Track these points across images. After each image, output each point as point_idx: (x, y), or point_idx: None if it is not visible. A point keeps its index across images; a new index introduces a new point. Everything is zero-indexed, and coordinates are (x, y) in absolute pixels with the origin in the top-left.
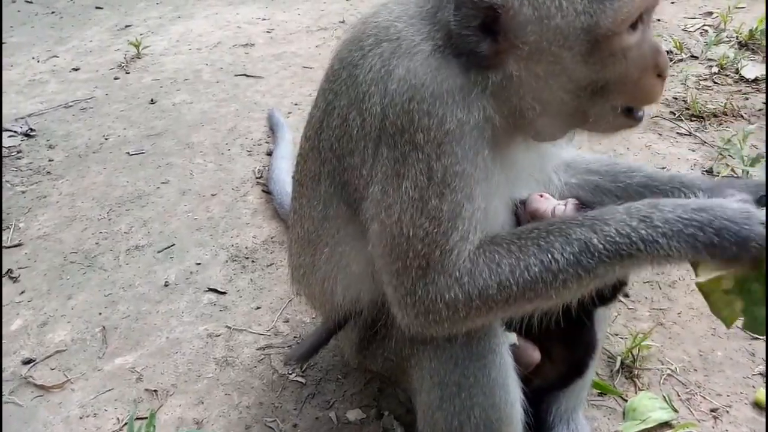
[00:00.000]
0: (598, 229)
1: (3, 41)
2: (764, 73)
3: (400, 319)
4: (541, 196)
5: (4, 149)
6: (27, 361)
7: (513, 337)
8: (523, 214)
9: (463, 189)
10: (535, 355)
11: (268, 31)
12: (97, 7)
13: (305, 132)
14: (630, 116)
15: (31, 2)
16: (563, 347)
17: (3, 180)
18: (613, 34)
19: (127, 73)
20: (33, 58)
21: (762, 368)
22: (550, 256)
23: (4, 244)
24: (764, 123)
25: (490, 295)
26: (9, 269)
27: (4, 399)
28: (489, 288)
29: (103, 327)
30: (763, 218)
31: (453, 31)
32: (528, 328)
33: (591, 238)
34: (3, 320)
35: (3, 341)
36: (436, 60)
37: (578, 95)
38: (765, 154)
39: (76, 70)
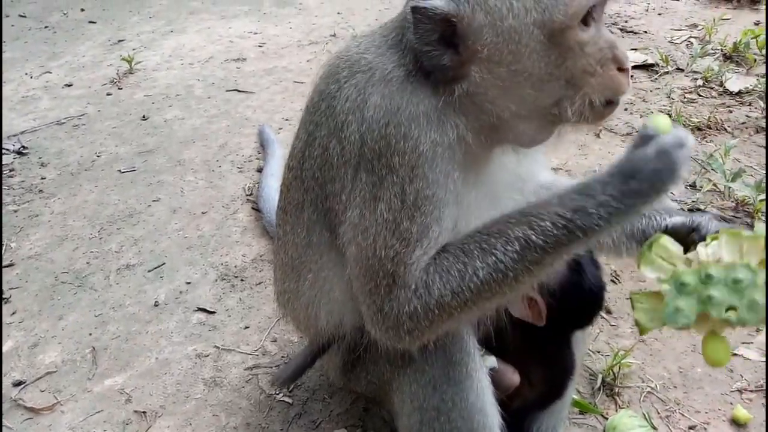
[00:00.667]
0: (534, 225)
1: None
2: (748, 86)
3: (374, 335)
4: None
5: None
6: (17, 383)
7: (492, 361)
8: None
9: (433, 212)
10: (514, 378)
11: (259, 45)
12: (90, 22)
13: (288, 162)
14: (608, 105)
15: (24, 17)
16: (542, 370)
17: None
18: (565, 27)
19: (119, 88)
20: (26, 74)
21: (740, 385)
22: (494, 257)
23: None
24: (747, 137)
25: (446, 302)
26: (1, 289)
27: None
28: (444, 296)
29: (93, 348)
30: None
31: (417, 49)
32: (507, 351)
33: (529, 235)
34: None
35: None
36: (409, 84)
37: (545, 92)
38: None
39: (68, 86)
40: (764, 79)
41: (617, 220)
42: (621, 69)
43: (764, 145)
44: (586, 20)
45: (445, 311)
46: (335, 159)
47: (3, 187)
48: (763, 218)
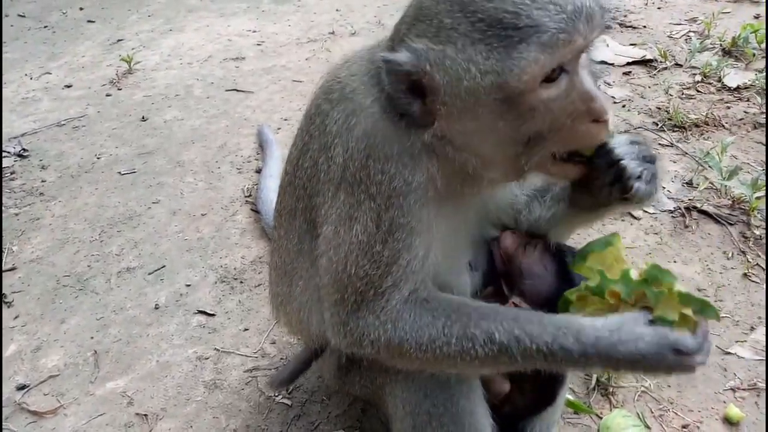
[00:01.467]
0: (520, 341)
1: None
2: (746, 82)
3: (333, 344)
4: (513, 232)
5: None
6: (21, 387)
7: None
8: (496, 251)
9: (405, 240)
10: (504, 386)
11: (258, 44)
12: (89, 21)
13: (285, 166)
14: (572, 161)
15: (23, 16)
16: (532, 378)
17: None
18: (522, 92)
19: (118, 89)
20: (26, 74)
21: (733, 383)
22: (471, 344)
23: None
24: (744, 133)
25: (408, 349)
26: (3, 294)
27: None
28: (407, 343)
29: (95, 351)
30: (676, 344)
31: (389, 94)
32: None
33: (511, 347)
34: None
35: None
36: (383, 122)
37: (511, 148)
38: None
39: (68, 87)
40: (763, 75)
41: (594, 370)
42: (596, 121)
43: (762, 141)
44: (550, 78)
45: (403, 355)
46: (322, 174)
47: (5, 190)
48: (758, 216)
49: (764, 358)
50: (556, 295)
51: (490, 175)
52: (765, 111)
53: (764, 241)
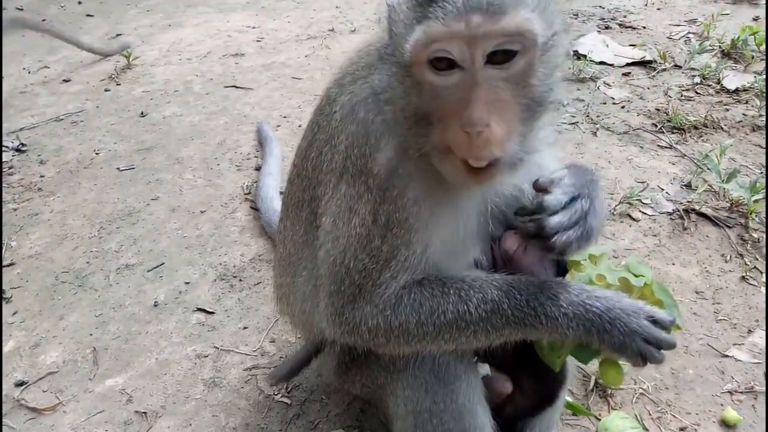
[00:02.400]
0: (511, 296)
1: None
2: (745, 84)
3: (327, 334)
4: (515, 232)
5: None
6: (20, 384)
7: (485, 369)
8: (497, 251)
9: (403, 236)
10: (506, 386)
11: (257, 40)
12: (87, 15)
13: (294, 158)
14: (468, 166)
15: (21, 9)
16: (534, 380)
17: None
18: (412, 62)
19: (117, 84)
20: (24, 68)
21: (731, 386)
22: (465, 307)
23: None
24: (743, 135)
25: (408, 329)
26: (1, 289)
27: None
28: (408, 323)
29: (94, 348)
30: (653, 312)
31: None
32: (500, 360)
33: (503, 303)
34: None
35: None
36: (377, 104)
37: (408, 116)
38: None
39: (66, 81)
40: (762, 77)
41: (575, 325)
42: (465, 131)
43: (761, 144)
44: (438, 66)
45: (403, 336)
46: (325, 165)
47: (3, 185)
48: (756, 219)
49: (762, 361)
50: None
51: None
52: (765, 113)
53: (762, 244)
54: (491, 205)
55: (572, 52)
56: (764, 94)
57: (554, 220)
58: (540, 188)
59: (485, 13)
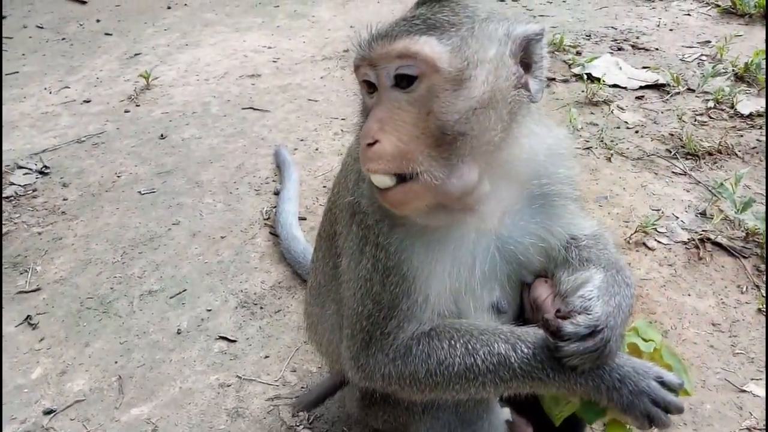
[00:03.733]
0: (517, 350)
1: (16, 71)
2: (759, 109)
3: (348, 375)
4: (546, 281)
5: (20, 188)
6: (48, 412)
7: (506, 413)
8: (526, 299)
9: (401, 284)
10: (527, 430)
11: (273, 61)
12: (106, 34)
13: (333, 187)
14: (379, 190)
15: (42, 27)
16: (553, 425)
17: (20, 221)
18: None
19: (137, 105)
20: (45, 88)
21: (749, 423)
22: (473, 360)
23: (23, 289)
24: (757, 162)
25: (419, 379)
26: (28, 315)
27: None
28: (418, 374)
29: (119, 376)
30: (662, 374)
31: None
32: (521, 403)
33: (510, 356)
34: (24, 368)
35: (25, 390)
36: None
37: None
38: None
39: (87, 102)
40: None
41: (583, 381)
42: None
43: None
44: (369, 90)
45: (415, 385)
46: (340, 201)
47: (27, 208)
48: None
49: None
50: None
51: None
52: (765, 139)
53: None
54: (497, 249)
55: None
56: (765, 119)
57: (569, 349)
58: (560, 316)
59: (383, 39)
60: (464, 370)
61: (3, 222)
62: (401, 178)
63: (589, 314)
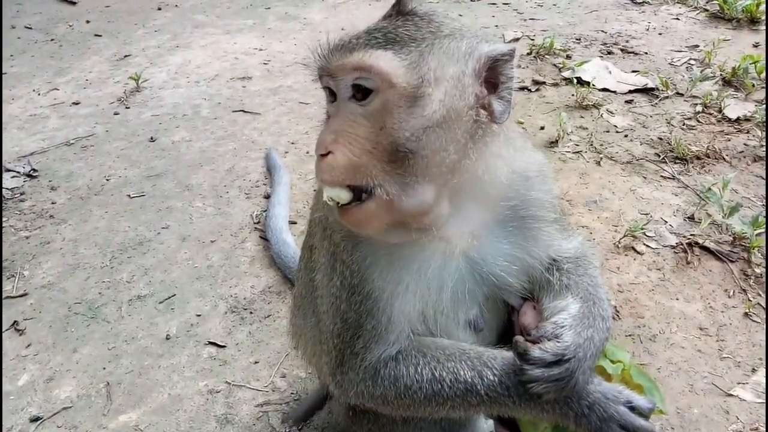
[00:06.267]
0: (484, 377)
1: (3, 72)
2: (746, 113)
3: (331, 389)
4: (534, 306)
5: (8, 191)
6: (35, 419)
7: (490, 424)
8: (516, 324)
9: (364, 303)
10: None
11: (264, 63)
12: (96, 35)
13: (313, 200)
14: (339, 208)
15: (30, 28)
16: None
17: (8, 225)
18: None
19: (126, 107)
20: (33, 90)
21: (736, 427)
22: (440, 386)
23: (9, 294)
24: (744, 166)
25: (389, 400)
26: (15, 321)
27: None
28: (387, 395)
29: (108, 382)
30: (632, 398)
31: None
32: (508, 419)
33: (476, 383)
34: (10, 375)
35: (11, 397)
36: None
37: None
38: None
39: (76, 104)
40: (763, 107)
41: (551, 408)
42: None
43: (762, 175)
44: (330, 96)
45: (386, 405)
46: (315, 214)
47: (15, 212)
48: (759, 254)
49: (764, 401)
50: None
51: None
52: (765, 144)
53: (764, 279)
54: (470, 270)
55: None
56: (765, 125)
57: (533, 374)
58: (530, 340)
59: (340, 50)
60: (432, 395)
61: None
62: (357, 195)
63: (558, 342)
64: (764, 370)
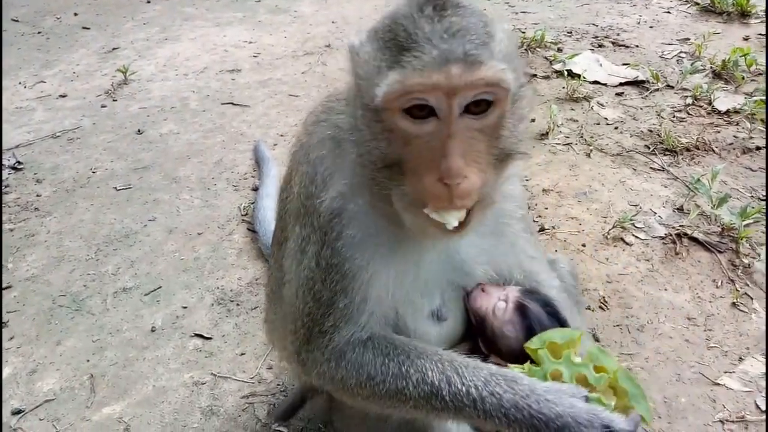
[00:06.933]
0: (451, 383)
1: None
2: (736, 105)
3: (291, 369)
4: (483, 290)
5: None
6: (17, 412)
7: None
8: (468, 305)
9: (340, 281)
10: None
11: (254, 56)
12: (84, 28)
13: (279, 194)
14: (429, 218)
15: (17, 21)
16: None
17: None
18: (384, 109)
19: (114, 100)
20: (20, 83)
21: (722, 415)
22: (404, 383)
23: None
24: (734, 158)
25: (349, 387)
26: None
27: None
28: (348, 381)
29: (92, 375)
30: (610, 422)
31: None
32: None
33: (442, 388)
34: None
35: None
36: (339, 141)
37: (377, 160)
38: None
39: (63, 96)
40: (752, 99)
41: (518, 429)
42: (443, 182)
43: (750, 167)
44: (414, 113)
45: (348, 391)
46: (289, 206)
47: None
48: (747, 244)
49: (752, 390)
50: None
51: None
52: (766, 136)
53: (753, 270)
54: (445, 258)
55: (566, 72)
56: (754, 117)
57: None
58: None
59: (464, 63)
60: (395, 391)
61: None
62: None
63: None
64: (752, 359)
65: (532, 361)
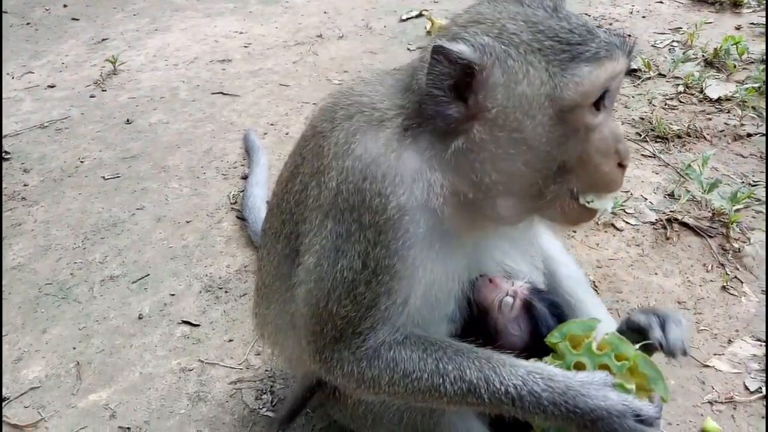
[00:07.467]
0: (490, 382)
1: None
2: (727, 93)
3: (309, 365)
4: (491, 281)
5: None
6: (1, 399)
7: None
8: (473, 295)
9: (387, 283)
10: None
11: (245, 46)
12: (73, 19)
13: (275, 187)
14: (585, 208)
15: (6, 12)
16: None
17: None
18: (576, 106)
19: (103, 90)
20: (8, 74)
21: (711, 396)
22: (441, 381)
23: None
24: (725, 145)
25: (380, 384)
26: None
27: None
28: (380, 379)
29: (78, 362)
30: (639, 410)
31: (424, 92)
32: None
33: (480, 387)
34: None
35: None
36: (399, 138)
37: (538, 171)
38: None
39: (51, 87)
40: (743, 87)
41: (556, 421)
42: (620, 165)
43: (741, 153)
44: (597, 105)
45: (374, 388)
46: (311, 200)
47: None
48: (737, 229)
49: (741, 371)
50: (530, 349)
51: (499, 204)
52: (765, 125)
53: (743, 254)
54: (471, 257)
55: None
56: (745, 104)
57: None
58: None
59: (622, 51)
60: (430, 388)
61: None
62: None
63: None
64: (741, 341)
65: (538, 355)
